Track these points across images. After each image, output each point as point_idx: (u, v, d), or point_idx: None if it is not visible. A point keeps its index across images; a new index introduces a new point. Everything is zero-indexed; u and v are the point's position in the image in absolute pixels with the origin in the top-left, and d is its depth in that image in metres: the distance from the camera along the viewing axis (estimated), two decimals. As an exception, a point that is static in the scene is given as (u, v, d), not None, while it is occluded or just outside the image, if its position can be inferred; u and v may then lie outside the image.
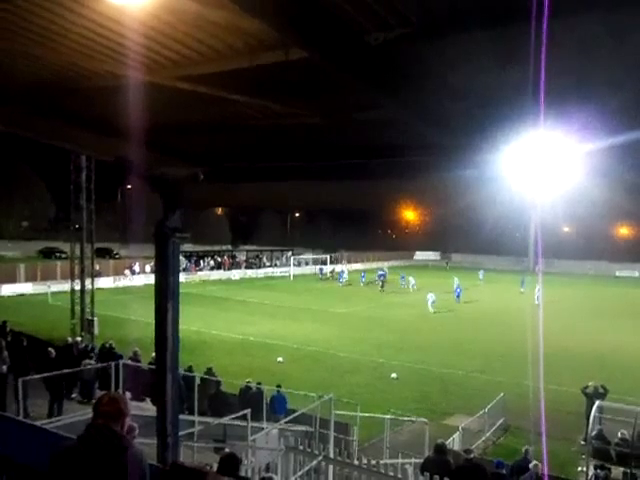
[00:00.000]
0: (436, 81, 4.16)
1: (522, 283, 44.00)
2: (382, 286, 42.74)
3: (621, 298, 42.49)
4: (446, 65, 3.87)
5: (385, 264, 64.21)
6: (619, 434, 10.64)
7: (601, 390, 13.53)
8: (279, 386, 13.46)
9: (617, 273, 63.97)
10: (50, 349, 13.27)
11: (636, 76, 3.90)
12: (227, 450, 8.13)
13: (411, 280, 43.03)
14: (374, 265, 61.66)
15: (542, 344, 16.33)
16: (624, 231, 72.42)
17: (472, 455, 8.76)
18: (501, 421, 14.87)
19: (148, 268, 43.36)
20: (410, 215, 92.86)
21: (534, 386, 15.75)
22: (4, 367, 11.82)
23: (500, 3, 3.15)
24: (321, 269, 55.30)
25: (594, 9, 3.04)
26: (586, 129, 4.31)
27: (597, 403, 11.70)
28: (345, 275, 49.08)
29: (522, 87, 3.68)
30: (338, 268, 55.25)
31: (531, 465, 8.88)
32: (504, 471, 9.26)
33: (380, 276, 44.41)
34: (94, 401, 3.21)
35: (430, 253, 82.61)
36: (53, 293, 33.59)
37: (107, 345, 15.20)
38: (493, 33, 3.43)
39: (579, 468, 11.70)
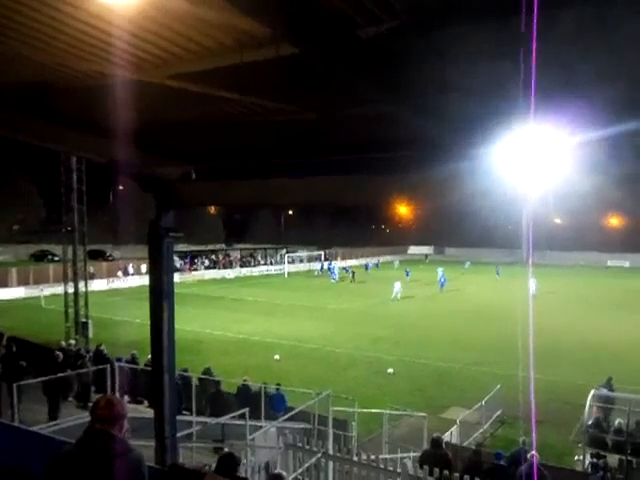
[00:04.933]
0: (428, 75, 4.16)
1: (497, 271, 48.63)
2: (353, 276, 47.16)
3: (613, 289, 42.86)
4: (437, 59, 3.86)
5: (381, 259, 65.04)
6: (616, 422, 10.70)
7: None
8: (278, 384, 13.44)
9: (609, 263, 64.64)
10: (58, 353, 13.20)
11: (625, 69, 3.92)
12: (226, 450, 8.12)
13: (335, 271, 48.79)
14: (371, 260, 61.70)
15: (537, 335, 16.41)
16: (614, 221, 72.91)
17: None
18: (498, 413, 14.96)
19: (144, 269, 43.18)
20: (403, 210, 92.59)
21: (530, 377, 15.85)
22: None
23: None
24: (330, 267, 52.76)
25: (583, 2, 3.06)
26: (575, 122, 4.32)
27: (592, 392, 11.75)
28: (337, 271, 49.41)
29: (513, 81, 3.68)
30: (330, 264, 55.45)
31: (528, 455, 8.94)
32: (502, 462, 9.35)
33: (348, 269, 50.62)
34: (90, 404, 3.18)
35: (424, 247, 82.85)
36: (46, 296, 33.39)
37: (100, 349, 15.09)
38: (484, 26, 3.43)
39: (575, 457, 11.79)
